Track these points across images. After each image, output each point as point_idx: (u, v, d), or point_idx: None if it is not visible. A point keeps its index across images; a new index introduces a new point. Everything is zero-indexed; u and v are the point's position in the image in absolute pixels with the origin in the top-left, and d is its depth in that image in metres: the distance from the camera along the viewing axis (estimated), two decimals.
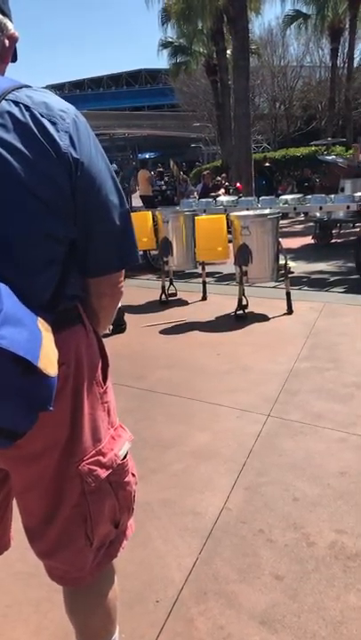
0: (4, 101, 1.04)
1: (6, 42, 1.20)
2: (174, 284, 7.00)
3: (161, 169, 21.55)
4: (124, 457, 1.35)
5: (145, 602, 2.00)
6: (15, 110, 1.05)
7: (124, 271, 1.33)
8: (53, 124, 1.08)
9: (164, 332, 5.46)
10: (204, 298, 6.62)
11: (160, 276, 6.76)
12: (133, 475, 1.41)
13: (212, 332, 5.36)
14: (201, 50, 25.21)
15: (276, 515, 2.44)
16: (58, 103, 1.13)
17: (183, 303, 6.60)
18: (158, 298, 6.59)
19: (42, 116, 1.07)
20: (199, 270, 6.78)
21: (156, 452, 3.03)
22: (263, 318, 5.64)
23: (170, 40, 25.96)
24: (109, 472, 1.30)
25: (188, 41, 24.63)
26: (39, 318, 1.02)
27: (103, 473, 1.28)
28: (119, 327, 5.42)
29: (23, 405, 0.99)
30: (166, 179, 20.17)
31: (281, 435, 3.15)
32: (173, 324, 5.67)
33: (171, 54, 26.89)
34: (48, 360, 0.97)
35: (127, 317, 5.62)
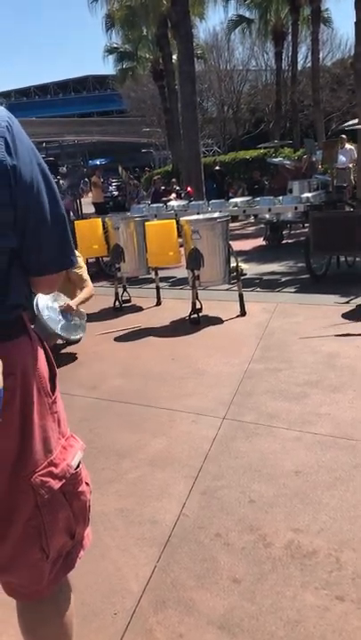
0: None
1: None
2: (128, 290, 6.97)
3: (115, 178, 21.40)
4: (77, 466, 1.34)
5: (103, 615, 1.97)
6: None
7: (64, 273, 1.33)
8: None
9: (118, 338, 5.43)
10: (158, 303, 6.62)
11: (113, 282, 6.72)
12: (87, 484, 1.39)
13: (167, 336, 5.36)
14: (147, 55, 25.28)
15: (232, 518, 2.45)
16: None
17: (138, 309, 6.58)
18: (112, 305, 6.55)
19: None
20: (153, 275, 6.78)
21: (111, 461, 3.00)
22: (217, 321, 5.67)
23: (115, 46, 25.92)
24: (62, 482, 1.28)
25: (133, 46, 24.69)
26: None
27: (56, 484, 1.26)
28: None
29: None
30: (117, 185, 20.12)
31: (236, 437, 3.17)
32: (128, 330, 5.65)
33: (117, 60, 26.85)
34: None
35: None
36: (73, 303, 4.76)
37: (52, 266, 1.26)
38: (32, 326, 1.29)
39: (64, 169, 15.91)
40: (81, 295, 4.94)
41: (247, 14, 26.13)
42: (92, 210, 14.53)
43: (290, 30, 24.54)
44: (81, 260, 5.08)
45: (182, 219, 6.25)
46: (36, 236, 1.18)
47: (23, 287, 1.22)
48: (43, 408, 1.27)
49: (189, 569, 2.17)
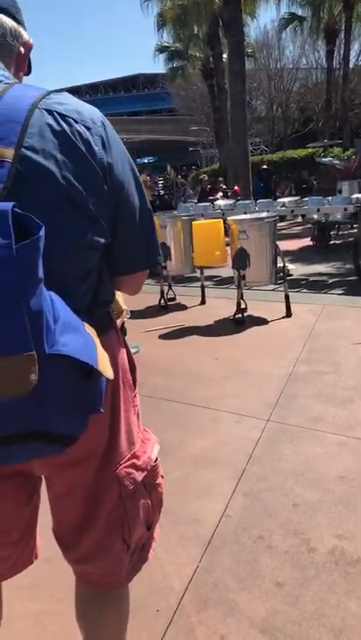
0: (37, 110, 1.02)
1: (21, 49, 1.22)
2: (173, 288, 7.00)
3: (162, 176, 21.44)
4: (156, 459, 1.37)
5: (145, 611, 1.99)
6: (50, 119, 1.03)
7: (147, 272, 1.35)
8: (88, 129, 1.07)
9: (163, 336, 5.45)
10: (202, 302, 6.62)
11: (159, 280, 6.76)
12: (162, 476, 1.42)
13: (210, 336, 5.35)
14: (197, 54, 25.28)
15: (275, 521, 2.43)
16: (85, 107, 1.12)
17: (182, 307, 6.60)
18: (157, 303, 6.58)
19: (75, 122, 1.06)
20: (198, 274, 6.78)
21: None
22: (262, 322, 5.63)
23: (166, 45, 26.01)
24: (144, 474, 1.31)
25: (184, 45, 24.73)
26: (85, 324, 1.01)
27: (139, 475, 1.29)
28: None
29: (77, 410, 0.99)
30: (163, 183, 20.20)
31: (281, 440, 3.14)
32: (172, 328, 5.67)
33: (167, 59, 26.95)
34: (104, 363, 0.97)
35: (126, 323, 5.60)
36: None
37: (137, 264, 1.28)
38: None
39: None
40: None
41: (299, 12, 25.84)
42: None
43: (343, 28, 24.15)
44: None
45: (230, 218, 6.23)
46: (125, 233, 1.19)
47: (110, 285, 1.24)
48: (127, 401, 1.30)
49: (232, 570, 2.16)
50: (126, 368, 1.31)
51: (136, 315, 6.22)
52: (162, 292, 6.60)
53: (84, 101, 1.14)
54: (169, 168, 18.97)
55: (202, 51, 24.53)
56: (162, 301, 6.59)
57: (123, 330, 5.38)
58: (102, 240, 1.13)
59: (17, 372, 0.82)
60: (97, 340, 1.01)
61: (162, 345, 5.21)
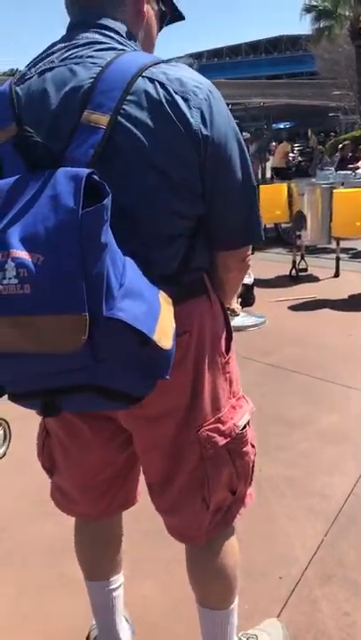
0: (139, 79, 1.04)
1: (142, 12, 1.23)
2: (306, 258, 6.81)
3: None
4: (244, 427, 1.36)
5: (268, 576, 2.00)
6: (150, 87, 1.04)
7: (251, 246, 1.32)
8: (186, 100, 1.06)
9: (292, 307, 5.35)
10: (336, 275, 6.39)
11: (291, 250, 6.59)
12: (253, 446, 1.41)
13: (344, 310, 5.17)
14: (347, 13, 23.89)
15: None
16: (192, 79, 1.10)
17: (314, 279, 6.42)
18: (288, 273, 6.46)
19: (175, 92, 1.06)
20: (332, 245, 6.54)
21: (280, 429, 3.00)
22: None
23: (314, 4, 24.83)
24: (227, 440, 1.31)
25: (333, 4, 23.46)
26: (160, 291, 1.03)
27: (221, 440, 1.30)
28: (248, 300, 5.39)
29: (140, 372, 1.02)
30: (300, 149, 19.56)
31: None
32: (303, 300, 5.54)
33: (314, 19, 25.71)
34: (163, 333, 0.98)
35: (256, 291, 5.57)
36: (233, 306, 4.82)
37: (237, 240, 1.27)
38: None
39: (246, 134, 15.77)
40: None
41: None
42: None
43: None
44: None
45: None
46: (222, 207, 1.18)
47: (206, 252, 1.24)
48: (215, 367, 1.30)
49: (358, 550, 2.11)
50: (218, 335, 1.31)
51: (265, 284, 6.15)
52: (294, 262, 6.45)
53: (225, 64, 1.11)
54: (310, 133, 18.30)
55: (352, 9, 23.13)
56: (293, 272, 6.45)
57: (249, 299, 5.37)
58: (192, 209, 1.13)
59: (70, 330, 0.85)
60: (165, 308, 1.02)
61: (292, 316, 5.12)
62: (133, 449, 1.40)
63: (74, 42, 1.12)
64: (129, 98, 1.02)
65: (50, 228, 0.86)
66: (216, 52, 59.20)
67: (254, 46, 57.64)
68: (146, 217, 1.07)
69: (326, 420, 3.10)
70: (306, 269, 6.71)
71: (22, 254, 0.84)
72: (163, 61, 1.10)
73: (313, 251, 7.44)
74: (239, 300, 5.38)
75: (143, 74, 1.04)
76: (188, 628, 1.70)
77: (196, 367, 1.25)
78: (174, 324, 1.04)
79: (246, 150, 1.21)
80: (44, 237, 0.85)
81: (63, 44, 1.13)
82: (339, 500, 2.40)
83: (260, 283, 6.06)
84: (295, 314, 5.19)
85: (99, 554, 1.62)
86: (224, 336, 1.34)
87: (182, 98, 1.06)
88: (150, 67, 1.06)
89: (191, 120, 1.06)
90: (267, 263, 6.97)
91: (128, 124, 1.02)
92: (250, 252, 1.33)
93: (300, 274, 6.53)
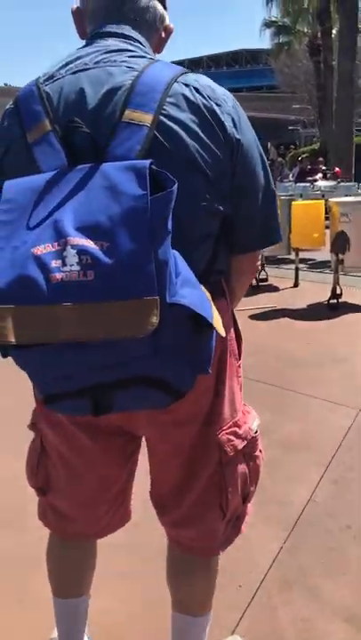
0: (175, 83, 1.08)
1: (162, 33, 1.31)
2: (266, 269, 6.91)
3: None
4: (256, 431, 1.38)
5: (228, 585, 2.00)
6: (186, 91, 1.08)
7: (259, 253, 1.37)
8: (218, 105, 1.11)
9: (253, 317, 5.41)
10: (295, 285, 6.50)
11: None
12: (261, 450, 1.42)
13: (302, 320, 5.26)
14: (305, 29, 24.48)
15: None
16: (219, 87, 1.17)
17: (274, 289, 6.51)
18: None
19: (209, 98, 1.11)
20: (292, 256, 6.65)
21: None
22: (358, 309, 5.46)
23: (273, 19, 25.35)
24: (245, 444, 1.32)
25: (292, 20, 24.01)
26: (201, 285, 1.04)
27: (240, 444, 1.31)
28: None
29: (187, 366, 1.03)
30: None
31: None
32: (263, 309, 5.61)
33: (273, 34, 26.26)
34: (218, 321, 0.99)
35: None
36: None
37: (257, 241, 1.30)
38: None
39: None
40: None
41: None
42: None
43: None
44: None
45: (331, 200, 6.04)
46: (246, 209, 1.21)
47: (226, 256, 1.26)
48: (232, 370, 1.31)
49: (317, 555, 2.14)
50: (234, 338, 1.33)
51: None
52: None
53: None
54: (270, 145, 18.61)
55: (310, 26, 23.74)
56: (253, 282, 6.53)
57: None
58: (222, 208, 1.15)
59: (142, 314, 0.85)
60: (211, 300, 1.03)
61: (252, 325, 5.17)
62: (134, 463, 1.40)
63: (104, 48, 1.15)
64: (168, 100, 1.05)
65: (114, 216, 0.87)
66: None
67: (215, 59, 58.35)
68: (186, 214, 1.07)
69: (287, 428, 3.14)
70: (266, 279, 6.81)
71: (83, 241, 0.85)
72: (189, 71, 1.15)
73: (273, 261, 7.56)
74: None
75: (178, 79, 1.09)
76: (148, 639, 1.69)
77: (218, 367, 1.26)
78: (220, 318, 1.04)
79: (265, 156, 1.27)
80: (108, 225, 0.87)
81: (93, 49, 1.15)
82: (298, 507, 2.43)
83: None
84: (256, 323, 5.24)
85: (80, 572, 1.59)
86: (236, 340, 1.36)
87: (215, 104, 1.11)
88: (181, 74, 1.11)
89: (226, 124, 1.11)
90: None
91: (170, 123, 1.05)
92: (259, 255, 1.38)
93: (261, 284, 6.61)
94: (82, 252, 0.84)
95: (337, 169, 13.52)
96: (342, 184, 9.13)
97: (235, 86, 50.87)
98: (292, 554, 2.16)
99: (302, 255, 6.90)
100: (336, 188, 8.59)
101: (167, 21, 1.30)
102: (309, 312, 5.50)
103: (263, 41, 40.50)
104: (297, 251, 6.50)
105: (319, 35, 21.96)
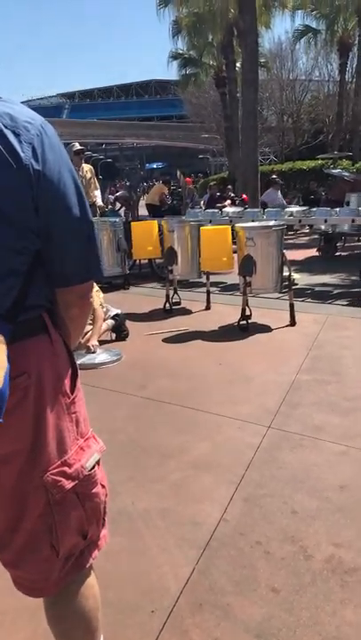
0: None
1: None
2: (178, 292, 7.01)
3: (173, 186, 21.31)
4: (92, 468, 1.34)
5: (141, 611, 1.98)
6: None
7: (93, 283, 1.33)
8: (17, 135, 1.08)
9: (167, 340, 5.46)
10: (207, 307, 6.62)
11: (165, 284, 6.75)
12: (103, 486, 1.39)
13: (214, 341, 5.36)
14: (211, 62, 25.35)
15: (273, 527, 2.42)
16: (23, 114, 1.12)
17: (187, 312, 6.60)
18: (162, 306, 6.59)
19: (5, 127, 1.07)
20: (204, 280, 6.79)
21: (156, 461, 3.02)
22: (266, 329, 5.63)
23: (180, 52, 26.07)
24: (75, 483, 1.29)
25: (198, 53, 24.78)
26: None
27: (68, 484, 1.27)
28: (121, 334, 5.45)
29: None
30: (173, 189, 20.19)
31: (281, 447, 3.13)
32: (177, 332, 5.67)
33: (180, 66, 27.00)
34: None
35: (131, 325, 5.63)
36: (91, 343, 4.92)
37: (75, 276, 1.26)
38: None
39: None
40: (94, 331, 5.05)
41: (314, 25, 25.93)
42: (146, 212, 14.64)
43: (356, 42, 24.25)
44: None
45: (237, 225, 6.23)
46: (60, 243, 1.19)
47: (43, 289, 1.22)
48: (59, 408, 1.27)
49: (228, 574, 2.16)
50: (61, 374, 1.28)
51: (141, 317, 6.25)
52: (167, 296, 6.60)
53: (97, 105, 1.15)
54: (179, 174, 19.00)
55: (215, 59, 24.60)
56: (167, 305, 6.59)
57: (121, 332, 5.41)
58: (22, 244, 1.13)
59: None
60: None
61: (166, 348, 5.21)
62: None
63: None
64: None
65: None
66: (87, 93, 60.11)
67: (125, 89, 59.27)
68: None
69: (198, 448, 3.17)
70: (179, 303, 6.90)
71: None
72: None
73: (186, 285, 7.68)
74: (113, 334, 5.41)
75: None
76: None
77: (37, 409, 1.21)
78: (7, 364, 1.02)
79: (81, 186, 1.22)
80: None
81: None
82: (210, 528, 2.44)
83: (135, 317, 6.14)
84: (169, 346, 5.29)
85: None
86: (68, 375, 1.30)
87: (13, 133, 1.07)
88: None
89: (22, 154, 1.07)
90: (142, 297, 7.10)
91: None
92: (91, 289, 1.33)
93: (174, 307, 6.69)
94: None
95: (244, 196, 14.00)
96: (248, 210, 9.45)
97: (145, 115, 51.98)
98: (204, 574, 2.16)
99: (213, 279, 7.06)
100: (243, 214, 8.87)
101: None
102: (221, 334, 5.61)
103: (172, 72, 41.66)
104: (208, 274, 6.63)
105: (224, 67, 22.82)
